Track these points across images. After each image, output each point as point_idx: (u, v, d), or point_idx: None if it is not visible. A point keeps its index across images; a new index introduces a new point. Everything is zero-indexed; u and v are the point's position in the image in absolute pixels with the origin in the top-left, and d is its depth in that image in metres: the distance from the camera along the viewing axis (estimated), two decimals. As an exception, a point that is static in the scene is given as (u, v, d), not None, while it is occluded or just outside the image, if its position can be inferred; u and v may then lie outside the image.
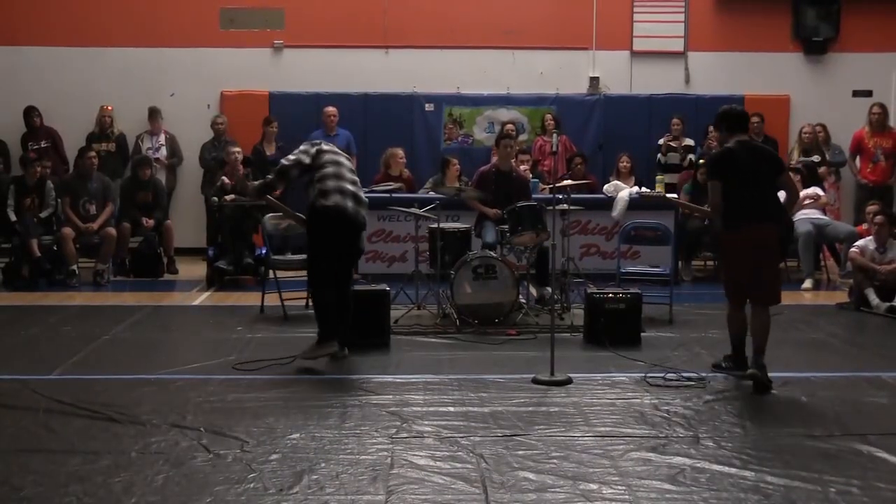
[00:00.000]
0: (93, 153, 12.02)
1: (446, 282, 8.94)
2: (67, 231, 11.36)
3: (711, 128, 7.33)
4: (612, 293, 8.35)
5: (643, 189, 8.39)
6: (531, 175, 11.48)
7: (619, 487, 4.86)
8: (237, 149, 12.09)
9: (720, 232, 7.22)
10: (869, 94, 13.87)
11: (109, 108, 13.18)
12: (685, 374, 7.03)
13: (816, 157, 12.70)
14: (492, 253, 9.05)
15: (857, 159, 13.06)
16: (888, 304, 9.51)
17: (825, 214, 11.87)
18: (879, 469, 5.16)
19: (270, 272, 9.58)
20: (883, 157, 12.83)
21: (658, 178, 12.24)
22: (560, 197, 9.23)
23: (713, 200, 7.09)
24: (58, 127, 13.17)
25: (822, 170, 12.71)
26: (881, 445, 5.49)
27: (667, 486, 4.87)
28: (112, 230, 11.51)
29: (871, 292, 9.68)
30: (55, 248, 11.49)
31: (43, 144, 12.86)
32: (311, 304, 7.86)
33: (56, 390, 6.54)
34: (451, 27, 13.90)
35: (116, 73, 13.65)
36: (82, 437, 5.62)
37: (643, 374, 7.03)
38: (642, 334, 8.30)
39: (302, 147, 7.68)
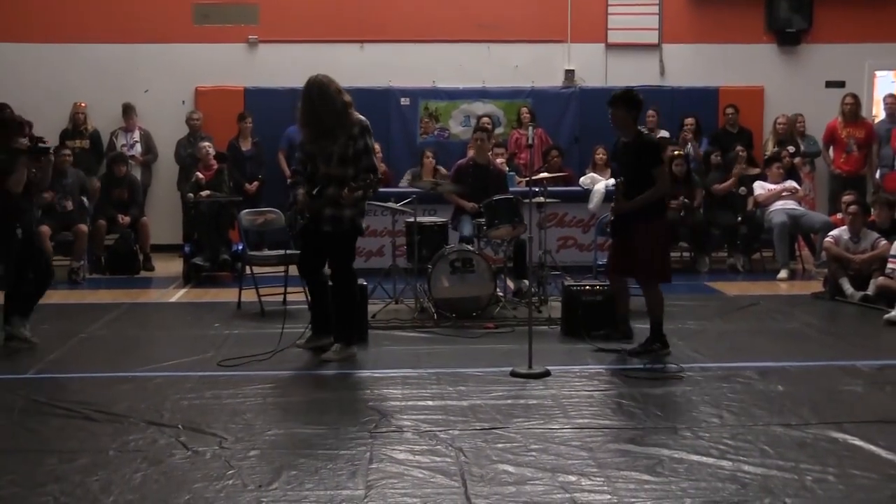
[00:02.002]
0: (67, 151, 11.95)
1: (424, 276, 8.94)
2: (45, 228, 11.27)
3: (612, 108, 7.39)
4: (589, 285, 8.37)
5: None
6: (507, 168, 11.50)
7: (598, 479, 4.87)
8: (207, 143, 12.07)
9: (650, 217, 7.38)
10: (842, 84, 13.97)
11: (83, 104, 13.09)
12: (662, 365, 7.07)
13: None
14: (469, 246, 9.06)
15: (831, 150, 13.14)
16: (862, 293, 9.56)
17: (800, 205, 11.94)
18: (855, 457, 5.20)
19: (247, 268, 9.56)
20: (856, 147, 12.90)
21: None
22: (536, 190, 9.24)
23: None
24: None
25: (796, 160, 12.79)
26: (856, 433, 5.53)
27: (645, 477, 4.89)
28: (83, 226, 11.42)
29: (845, 281, 9.75)
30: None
31: (16, 142, 12.75)
32: (338, 304, 7.50)
33: (32, 389, 6.50)
34: (426, 21, 13.90)
35: (90, 69, 13.57)
36: (59, 436, 5.59)
37: (620, 366, 7.06)
38: (620, 326, 8.32)
39: (374, 143, 7.48)
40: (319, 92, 7.19)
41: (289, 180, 7.48)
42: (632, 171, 7.44)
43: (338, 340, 7.39)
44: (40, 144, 7.92)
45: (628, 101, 7.45)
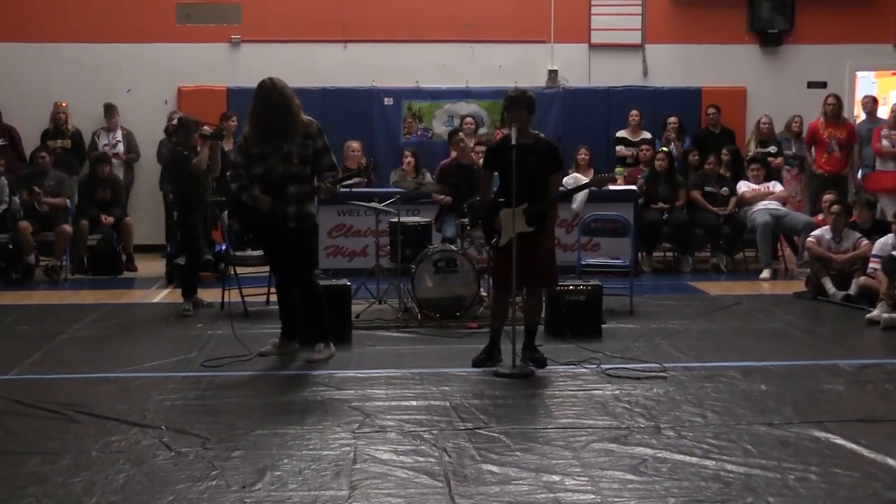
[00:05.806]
0: (43, 153, 11.91)
1: (407, 276, 8.94)
2: (24, 225, 11.24)
3: (506, 113, 7.13)
4: (572, 285, 8.37)
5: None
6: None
7: (582, 479, 4.88)
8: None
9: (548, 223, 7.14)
10: (823, 85, 14.04)
11: (64, 104, 13.02)
12: (646, 365, 7.09)
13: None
14: (452, 246, 9.06)
15: (813, 150, 13.19)
16: (844, 292, 9.61)
17: (783, 205, 11.98)
18: (837, 455, 5.23)
19: (230, 268, 9.53)
20: (837, 147, 12.95)
21: (618, 170, 12.30)
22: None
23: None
24: (14, 124, 13.00)
25: (777, 161, 12.83)
26: (838, 432, 5.56)
27: (629, 477, 4.91)
28: (67, 227, 11.39)
29: (827, 281, 9.79)
30: (10, 247, 11.37)
31: (0, 142, 12.68)
32: (311, 306, 7.49)
33: (14, 390, 6.47)
34: (409, 21, 13.89)
35: (72, 69, 13.50)
36: (41, 438, 5.56)
37: (604, 366, 7.06)
38: (603, 326, 8.33)
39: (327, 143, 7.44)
40: (281, 95, 7.22)
41: (232, 185, 7.35)
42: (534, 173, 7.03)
43: (319, 340, 7.39)
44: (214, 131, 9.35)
45: (528, 105, 7.13)
